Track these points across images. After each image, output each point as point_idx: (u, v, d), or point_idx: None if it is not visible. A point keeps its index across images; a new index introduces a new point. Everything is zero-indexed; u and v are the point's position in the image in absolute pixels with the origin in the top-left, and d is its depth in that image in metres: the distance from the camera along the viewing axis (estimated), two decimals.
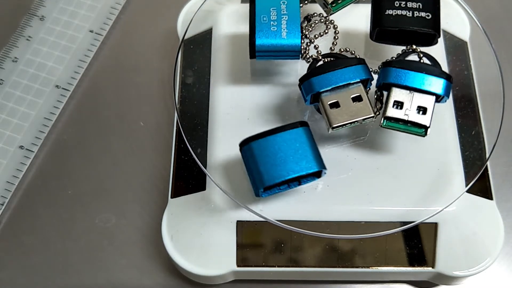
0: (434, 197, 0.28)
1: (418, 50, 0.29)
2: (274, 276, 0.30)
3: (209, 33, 0.33)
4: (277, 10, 0.29)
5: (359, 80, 0.27)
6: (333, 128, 0.27)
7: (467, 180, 0.29)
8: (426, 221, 0.28)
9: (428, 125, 0.27)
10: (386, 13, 0.28)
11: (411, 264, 0.29)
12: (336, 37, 0.31)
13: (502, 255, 0.31)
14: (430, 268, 0.29)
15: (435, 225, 0.29)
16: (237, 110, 0.30)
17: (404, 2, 0.28)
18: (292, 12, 0.29)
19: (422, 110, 0.27)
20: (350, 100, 0.27)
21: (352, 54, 0.30)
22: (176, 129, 0.32)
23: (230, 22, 0.33)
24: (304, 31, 0.30)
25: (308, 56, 0.30)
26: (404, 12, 0.28)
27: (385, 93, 0.28)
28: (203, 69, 0.32)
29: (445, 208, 0.28)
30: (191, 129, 0.31)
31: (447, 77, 0.27)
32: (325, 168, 0.27)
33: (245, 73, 0.31)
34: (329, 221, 0.28)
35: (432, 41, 0.29)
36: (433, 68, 0.27)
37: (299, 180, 0.27)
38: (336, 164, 0.29)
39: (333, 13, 0.30)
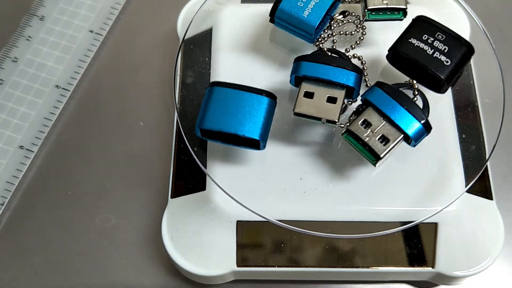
0: (434, 197, 0.28)
1: (416, 86, 0.29)
2: (274, 276, 0.30)
3: (209, 33, 0.33)
4: None
5: (344, 84, 0.28)
6: (294, 113, 0.28)
7: (467, 180, 0.29)
8: (426, 221, 0.28)
9: (381, 156, 0.27)
10: (410, 40, 0.28)
11: (411, 264, 0.29)
12: (358, 42, 0.31)
13: (502, 255, 0.31)
14: (430, 268, 0.29)
15: (435, 225, 0.29)
16: None
17: (432, 39, 0.28)
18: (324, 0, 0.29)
19: (385, 140, 0.27)
20: (325, 97, 0.28)
21: (362, 64, 0.30)
22: (176, 129, 0.32)
23: (230, 22, 0.33)
24: (332, 22, 0.30)
25: (317, 43, 0.30)
26: (426, 48, 0.28)
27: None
28: (203, 69, 0.32)
29: (445, 208, 0.28)
30: (191, 129, 0.31)
31: (425, 124, 0.27)
32: (264, 141, 0.27)
33: (246, 73, 0.31)
34: (329, 221, 0.28)
35: (440, 88, 0.28)
36: (418, 110, 0.27)
37: (237, 141, 0.28)
38: (335, 164, 0.29)
39: (368, 20, 0.30)
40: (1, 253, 0.31)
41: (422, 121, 0.27)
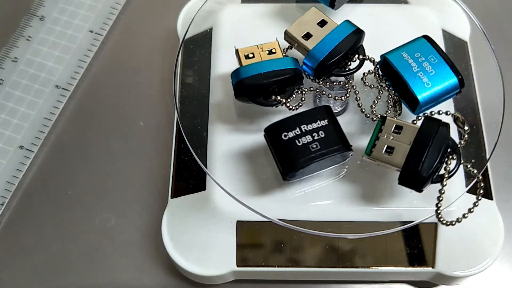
0: (434, 197, 0.28)
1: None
2: (274, 276, 0.30)
3: (209, 33, 0.33)
4: None
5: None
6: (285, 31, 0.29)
7: (467, 180, 0.29)
8: (426, 221, 0.28)
9: (370, 156, 0.27)
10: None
11: (411, 264, 0.29)
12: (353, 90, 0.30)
13: (502, 255, 0.31)
14: (430, 268, 0.29)
15: (435, 225, 0.29)
16: (238, 110, 0.30)
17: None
18: None
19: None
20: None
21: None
22: (176, 129, 0.32)
23: (230, 22, 0.33)
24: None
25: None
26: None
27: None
28: (203, 69, 0.32)
29: (445, 208, 0.28)
30: (191, 129, 0.31)
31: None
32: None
33: None
34: (329, 221, 0.28)
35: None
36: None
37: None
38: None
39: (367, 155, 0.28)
40: (1, 253, 0.31)
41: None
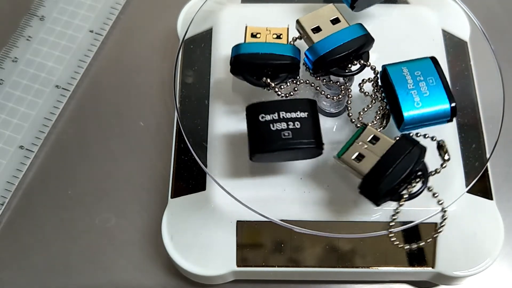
0: (435, 197, 0.28)
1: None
2: (274, 276, 0.30)
3: (209, 33, 0.33)
4: None
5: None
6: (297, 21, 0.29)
7: (467, 180, 0.29)
8: (426, 221, 0.28)
9: (339, 159, 0.27)
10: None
11: (411, 264, 0.29)
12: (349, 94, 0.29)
13: (502, 255, 0.31)
14: (430, 268, 0.29)
15: (435, 225, 0.29)
16: (237, 110, 0.30)
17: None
18: None
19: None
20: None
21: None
22: (176, 129, 0.32)
23: (230, 22, 0.33)
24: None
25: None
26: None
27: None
28: (203, 69, 0.32)
29: (445, 208, 0.28)
30: (191, 129, 0.31)
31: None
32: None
33: None
34: (329, 221, 0.28)
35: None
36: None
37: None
38: (335, 164, 0.29)
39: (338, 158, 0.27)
40: (1, 253, 0.31)
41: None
